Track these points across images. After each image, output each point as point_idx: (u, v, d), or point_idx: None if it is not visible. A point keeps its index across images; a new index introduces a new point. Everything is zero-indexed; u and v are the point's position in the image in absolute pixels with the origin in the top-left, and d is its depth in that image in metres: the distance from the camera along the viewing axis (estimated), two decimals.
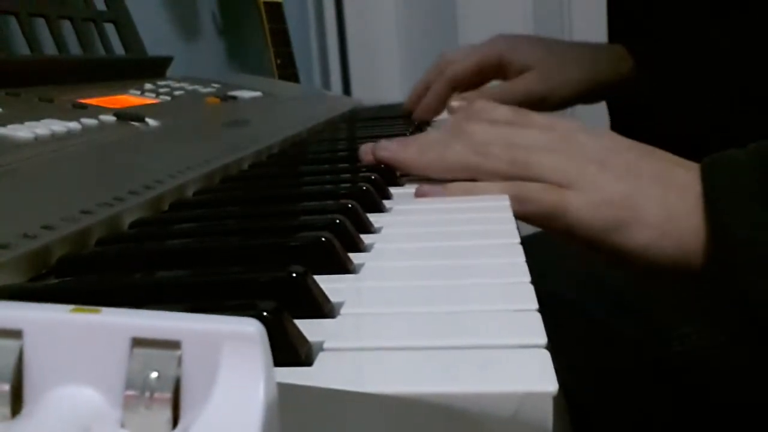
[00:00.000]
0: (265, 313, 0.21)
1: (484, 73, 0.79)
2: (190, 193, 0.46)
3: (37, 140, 0.45)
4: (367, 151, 0.53)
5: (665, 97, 0.76)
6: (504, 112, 0.50)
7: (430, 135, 0.51)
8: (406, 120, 0.82)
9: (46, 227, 0.32)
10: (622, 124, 0.83)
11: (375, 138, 0.69)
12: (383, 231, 0.37)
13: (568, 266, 0.66)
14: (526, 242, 0.33)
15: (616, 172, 0.43)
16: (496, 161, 0.46)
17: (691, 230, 0.41)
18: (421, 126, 0.78)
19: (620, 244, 0.43)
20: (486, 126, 0.49)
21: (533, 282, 0.27)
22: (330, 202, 0.39)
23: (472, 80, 0.80)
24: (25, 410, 0.15)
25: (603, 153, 0.45)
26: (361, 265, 0.31)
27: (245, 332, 0.14)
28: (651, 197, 0.42)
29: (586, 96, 0.80)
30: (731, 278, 0.39)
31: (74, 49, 0.75)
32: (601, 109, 0.87)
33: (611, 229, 0.42)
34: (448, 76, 0.79)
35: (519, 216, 0.43)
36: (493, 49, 0.79)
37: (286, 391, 0.15)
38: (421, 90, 0.82)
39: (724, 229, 0.40)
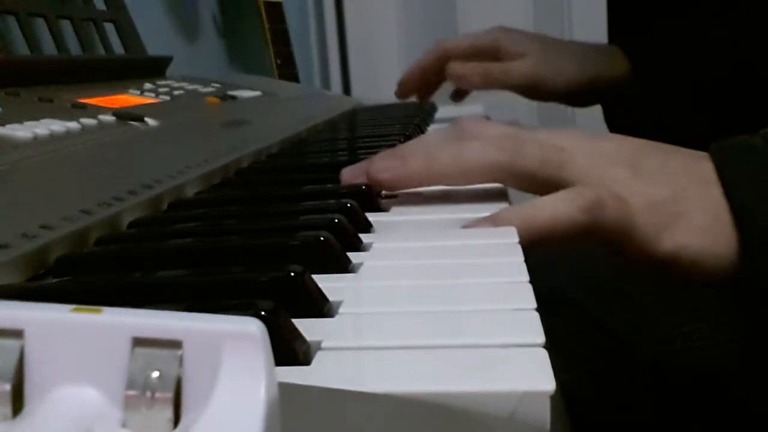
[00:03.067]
0: (263, 313, 0.21)
1: (477, 56, 0.79)
2: (189, 192, 0.46)
3: (37, 140, 0.45)
4: (353, 175, 0.44)
5: (661, 99, 0.76)
6: (503, 125, 0.43)
7: (430, 139, 0.44)
8: (406, 120, 0.82)
9: (45, 227, 0.32)
10: (618, 128, 0.83)
11: (374, 138, 0.69)
12: (382, 230, 0.37)
13: (568, 265, 0.66)
14: None
15: (650, 175, 0.39)
16: (528, 159, 0.39)
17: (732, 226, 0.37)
18: (420, 126, 0.78)
19: (670, 250, 0.38)
20: (497, 126, 0.42)
21: (533, 281, 0.27)
22: (329, 201, 0.39)
23: (465, 59, 0.80)
24: (26, 410, 0.15)
25: (629, 155, 0.40)
26: (360, 264, 0.31)
27: (247, 332, 0.14)
28: (693, 197, 0.38)
29: (580, 93, 0.80)
30: (758, 271, 0.37)
31: (74, 49, 0.75)
32: (597, 112, 0.87)
33: (658, 236, 0.38)
34: (440, 47, 0.79)
35: (589, 228, 0.37)
36: (489, 35, 0.79)
37: (284, 390, 0.15)
38: (415, 72, 0.82)
39: (747, 218, 0.37)
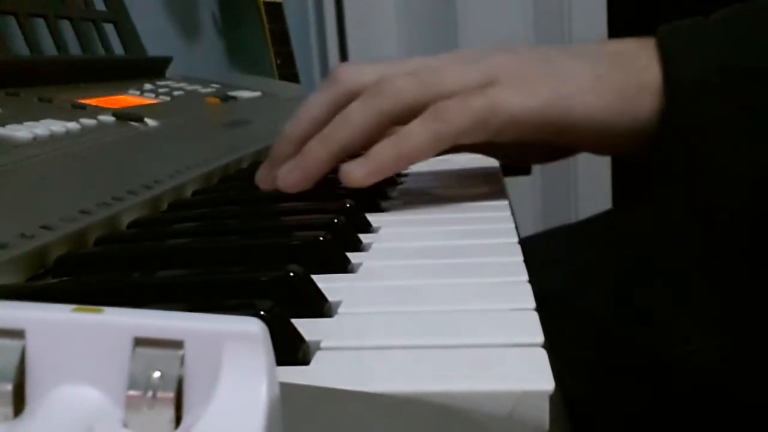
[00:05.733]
0: (262, 313, 0.21)
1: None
2: (189, 193, 0.46)
3: (36, 140, 0.45)
4: (269, 180, 0.44)
5: None
6: (371, 67, 0.43)
7: (313, 105, 0.43)
8: None
9: (44, 227, 0.32)
10: None
11: None
12: (381, 230, 0.38)
13: (568, 265, 0.66)
14: (526, 240, 0.33)
15: (530, 60, 0.41)
16: (404, 94, 0.39)
17: (632, 84, 0.40)
18: None
19: (561, 118, 0.40)
20: (366, 69, 0.42)
21: (533, 281, 0.27)
22: (329, 201, 0.40)
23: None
24: (27, 410, 0.15)
25: (516, 54, 0.42)
26: (359, 264, 0.31)
27: (248, 331, 0.14)
28: (572, 65, 0.41)
29: None
30: (677, 131, 0.38)
31: (74, 49, 0.75)
32: None
33: (548, 107, 0.39)
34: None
35: (450, 139, 0.38)
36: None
37: (283, 390, 0.15)
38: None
39: (673, 73, 0.39)
